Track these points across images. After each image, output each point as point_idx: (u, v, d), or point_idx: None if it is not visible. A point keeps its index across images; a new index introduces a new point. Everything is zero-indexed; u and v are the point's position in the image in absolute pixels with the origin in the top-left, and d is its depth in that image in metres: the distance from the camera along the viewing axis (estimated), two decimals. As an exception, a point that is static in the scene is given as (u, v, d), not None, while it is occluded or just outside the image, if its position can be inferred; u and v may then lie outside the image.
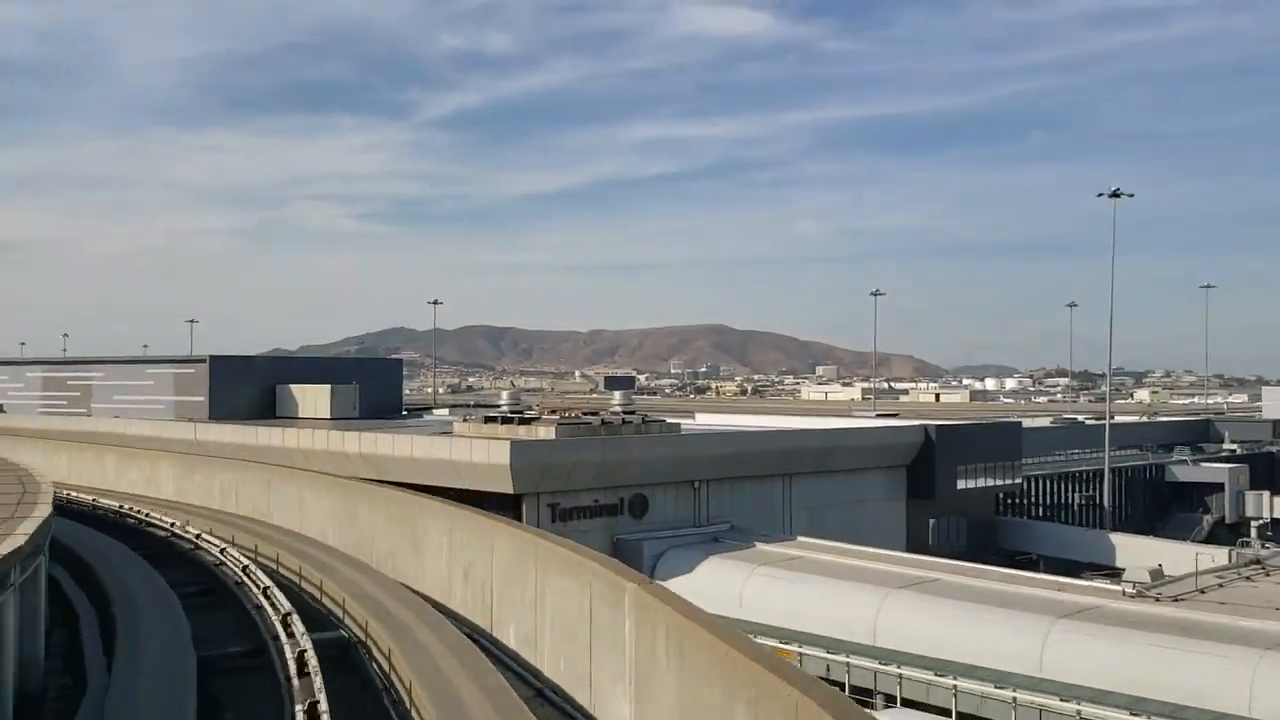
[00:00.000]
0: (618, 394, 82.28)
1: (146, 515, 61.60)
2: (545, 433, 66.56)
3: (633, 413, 76.29)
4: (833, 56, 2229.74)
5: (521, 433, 68.04)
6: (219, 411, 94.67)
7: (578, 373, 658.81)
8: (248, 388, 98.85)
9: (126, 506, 64.91)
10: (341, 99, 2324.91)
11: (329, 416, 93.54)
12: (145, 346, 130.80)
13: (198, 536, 53.88)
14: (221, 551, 49.68)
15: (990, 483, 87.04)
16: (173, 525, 57.94)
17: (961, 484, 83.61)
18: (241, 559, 46.56)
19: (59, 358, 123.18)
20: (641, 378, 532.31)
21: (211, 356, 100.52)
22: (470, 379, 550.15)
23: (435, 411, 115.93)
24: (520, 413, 75.41)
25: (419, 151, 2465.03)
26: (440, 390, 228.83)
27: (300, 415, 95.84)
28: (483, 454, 58.84)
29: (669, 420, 76.92)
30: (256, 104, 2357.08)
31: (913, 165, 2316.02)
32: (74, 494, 69.57)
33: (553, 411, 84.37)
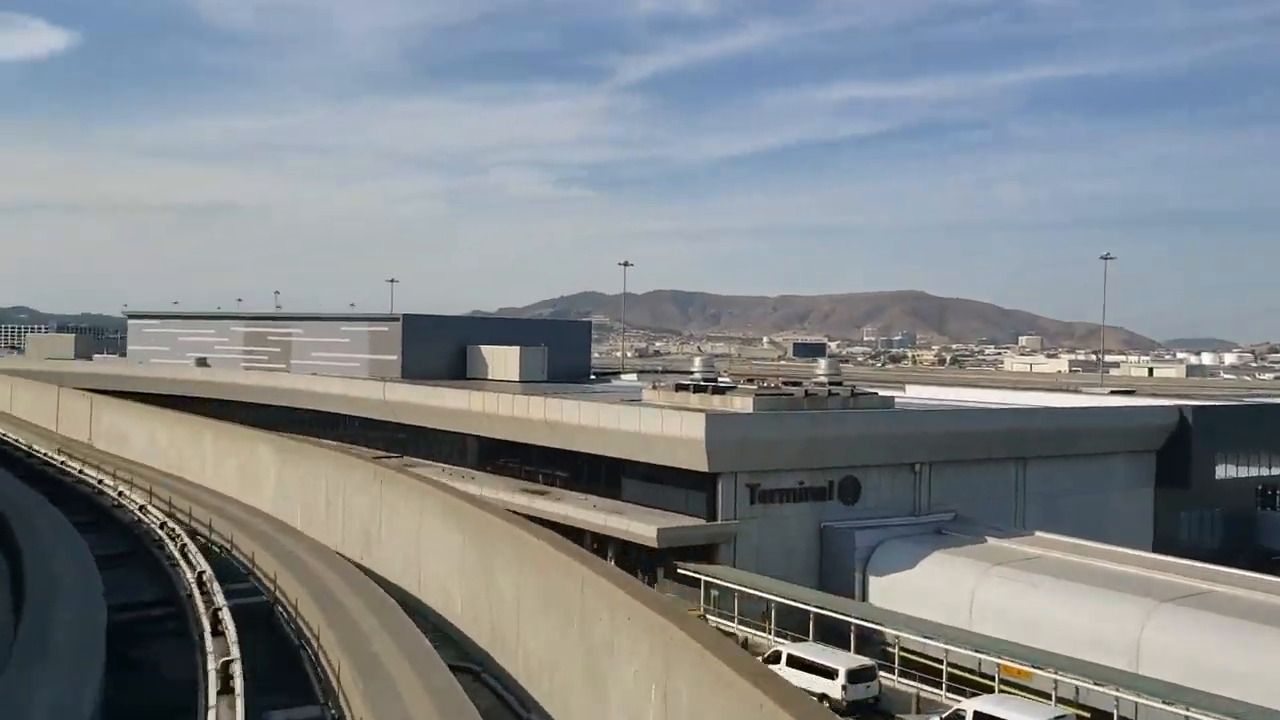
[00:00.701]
0: (823, 362, 74.79)
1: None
2: (742, 404, 60.21)
3: (839, 383, 68.96)
4: (1042, 13, 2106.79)
5: (716, 403, 61.92)
6: (411, 370, 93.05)
7: (766, 339, 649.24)
8: (439, 347, 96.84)
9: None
10: (541, 66, 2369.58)
11: (517, 379, 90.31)
12: (351, 305, 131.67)
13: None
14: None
15: (1253, 472, 75.48)
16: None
17: (1220, 473, 72.55)
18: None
19: (260, 313, 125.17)
20: (832, 345, 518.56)
21: (405, 315, 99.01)
22: (657, 344, 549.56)
23: (624, 376, 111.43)
24: (714, 380, 69.33)
25: (614, 116, 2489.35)
26: (627, 355, 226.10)
27: (489, 377, 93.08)
28: (675, 426, 53.01)
29: (881, 393, 69.13)
30: (460, 72, 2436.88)
31: (1124, 128, 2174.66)
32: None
33: (749, 380, 77.97)
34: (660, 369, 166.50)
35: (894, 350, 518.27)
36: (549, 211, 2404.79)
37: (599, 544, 59.26)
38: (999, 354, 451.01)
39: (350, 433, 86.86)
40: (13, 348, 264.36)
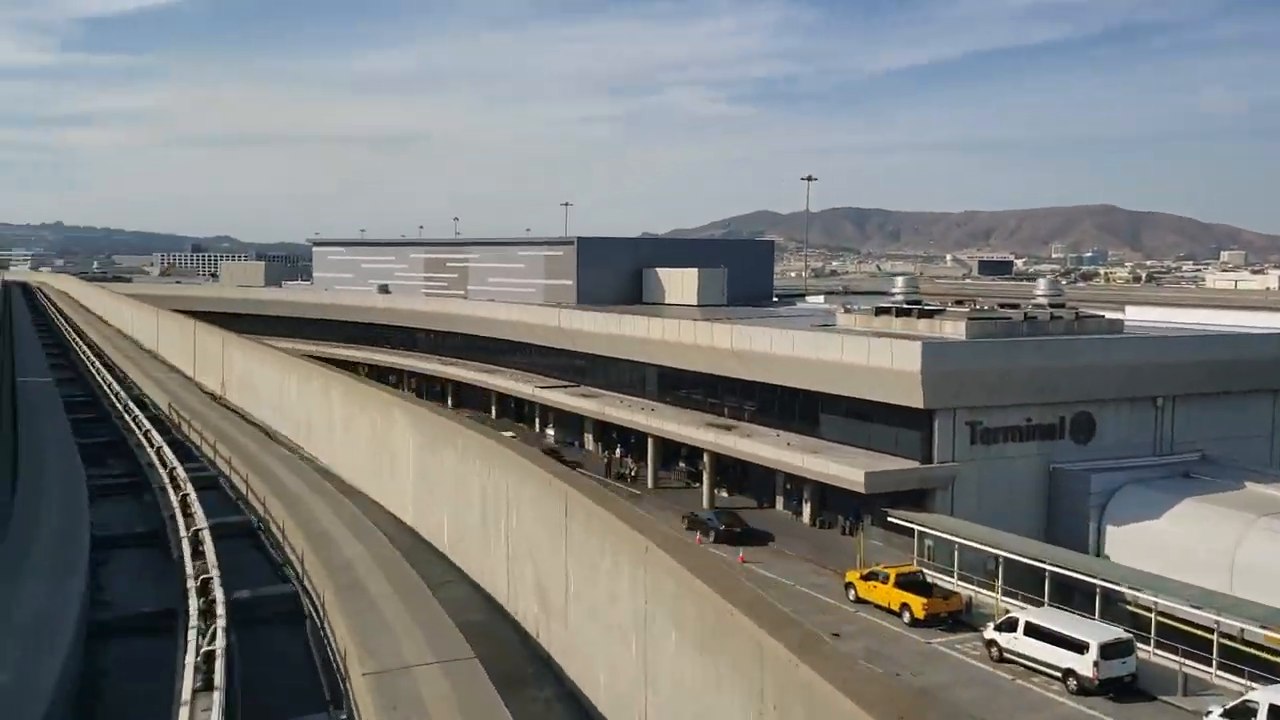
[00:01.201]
0: (1041, 282, 67.24)
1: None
2: (953, 329, 53.96)
3: (1061, 305, 61.61)
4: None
5: (921, 328, 55.88)
6: (586, 294, 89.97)
7: (949, 256, 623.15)
8: (614, 271, 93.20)
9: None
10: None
11: (695, 303, 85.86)
12: (527, 230, 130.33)
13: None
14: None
15: None
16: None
17: None
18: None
19: (438, 239, 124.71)
20: (1019, 262, 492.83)
21: (579, 238, 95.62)
22: (834, 263, 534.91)
23: (809, 299, 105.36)
24: (918, 303, 63.08)
25: (788, 29, 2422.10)
26: (803, 275, 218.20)
27: (666, 300, 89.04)
28: (884, 356, 47.43)
29: (1109, 316, 61.39)
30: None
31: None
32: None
33: (958, 302, 71.08)
34: (841, 289, 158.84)
35: (1084, 268, 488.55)
36: (721, 130, 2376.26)
37: (792, 484, 54.71)
38: (1198, 270, 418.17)
39: (526, 360, 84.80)
40: (213, 274, 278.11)
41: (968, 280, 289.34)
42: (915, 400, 46.27)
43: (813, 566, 46.97)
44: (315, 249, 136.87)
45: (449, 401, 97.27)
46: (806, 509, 53.80)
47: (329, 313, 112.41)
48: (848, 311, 66.35)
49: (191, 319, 41.44)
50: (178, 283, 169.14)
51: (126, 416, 34.66)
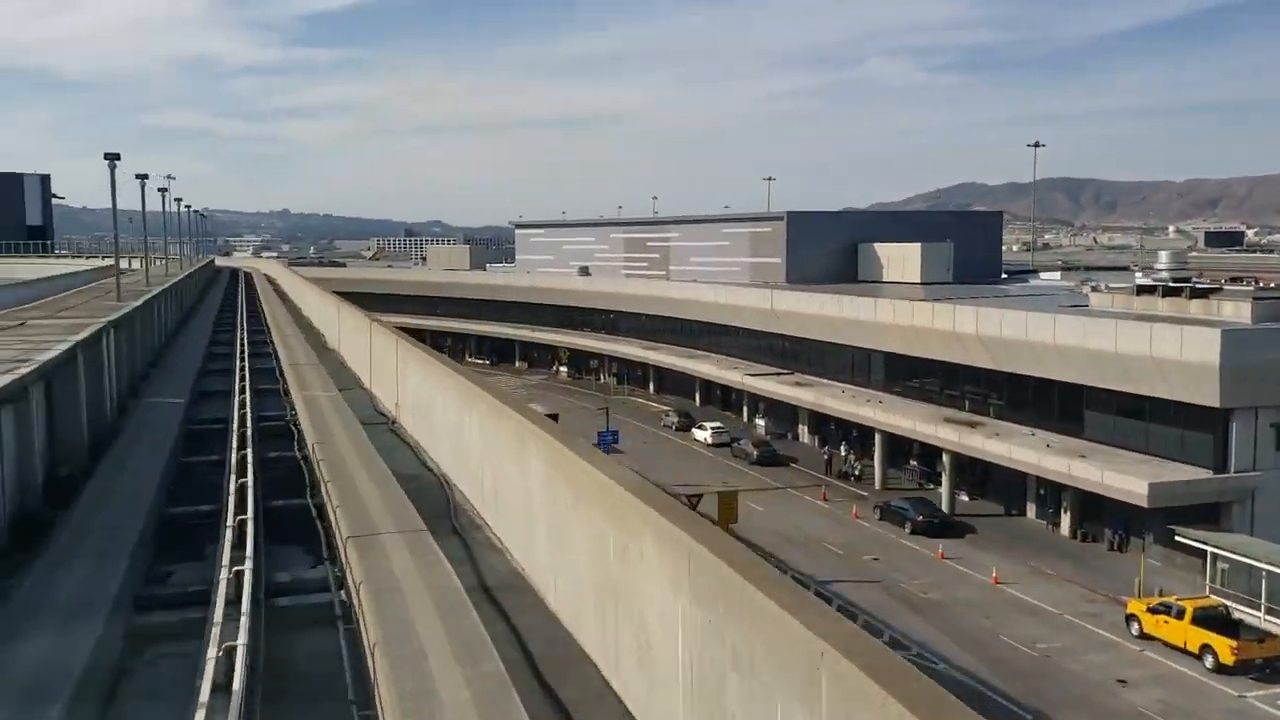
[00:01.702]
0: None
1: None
2: (1234, 312, 45.88)
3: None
4: None
5: (1194, 309, 48.05)
6: (796, 273, 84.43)
7: (1171, 228, 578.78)
8: (827, 246, 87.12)
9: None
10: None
11: (918, 280, 78.98)
12: (725, 206, 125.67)
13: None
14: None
15: None
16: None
17: None
18: None
19: (638, 219, 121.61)
20: (1250, 233, 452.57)
21: (789, 213, 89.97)
22: (1046, 235, 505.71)
23: (1043, 276, 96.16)
24: (1187, 281, 54.71)
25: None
26: (1012, 249, 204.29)
27: (884, 278, 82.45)
28: (1170, 345, 40.18)
29: None
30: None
31: None
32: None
33: (1234, 279, 61.96)
34: (1060, 264, 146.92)
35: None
36: (923, 101, 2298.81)
37: (1047, 490, 47.96)
38: None
39: (733, 343, 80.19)
40: (422, 258, 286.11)
41: (1193, 253, 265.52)
42: (1209, 397, 38.98)
43: (1081, 591, 40.40)
44: (518, 231, 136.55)
45: (651, 387, 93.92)
46: (1065, 519, 46.97)
47: (529, 296, 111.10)
48: (1098, 290, 58.56)
49: (367, 319, 35.47)
50: (389, 266, 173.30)
51: (244, 477, 18.91)
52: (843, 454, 61.73)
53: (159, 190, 68.84)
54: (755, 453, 64.74)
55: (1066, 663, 34.13)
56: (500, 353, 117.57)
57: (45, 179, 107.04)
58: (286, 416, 28.35)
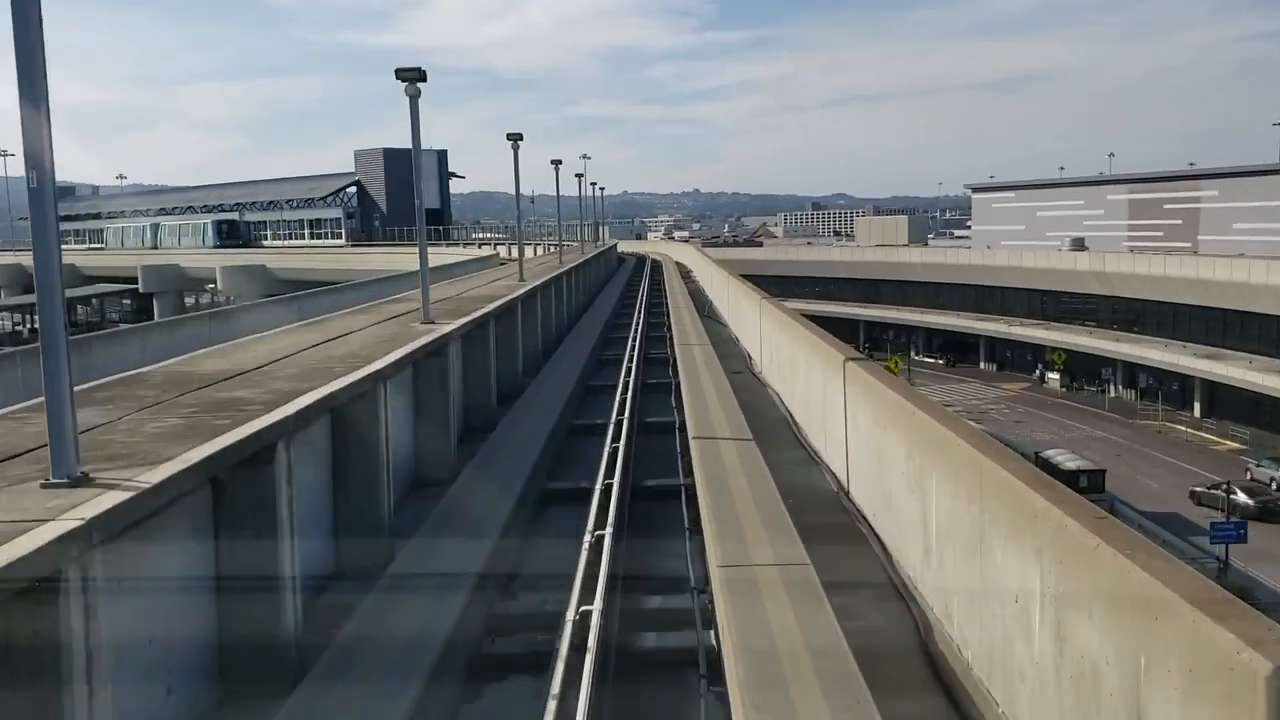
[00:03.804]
0: None
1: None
2: None
3: None
4: None
5: None
6: None
7: None
8: None
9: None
10: None
11: None
12: (1190, 164, 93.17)
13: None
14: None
15: None
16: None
17: None
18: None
19: (1151, 174, 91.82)
20: None
21: None
22: None
23: None
24: None
25: None
26: None
27: None
28: None
29: None
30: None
31: None
32: None
33: None
34: None
35: None
36: None
37: None
38: None
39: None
40: (836, 233, 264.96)
41: None
42: None
43: None
44: (975, 196, 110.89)
45: (1195, 409, 65.61)
46: None
47: (1003, 278, 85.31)
48: None
49: (802, 336, 14.95)
50: (809, 243, 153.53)
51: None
52: None
53: (575, 175, 60.45)
54: None
55: None
56: (957, 349, 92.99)
57: (442, 155, 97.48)
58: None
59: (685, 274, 56.53)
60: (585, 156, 71.69)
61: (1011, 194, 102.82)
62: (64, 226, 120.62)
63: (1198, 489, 49.72)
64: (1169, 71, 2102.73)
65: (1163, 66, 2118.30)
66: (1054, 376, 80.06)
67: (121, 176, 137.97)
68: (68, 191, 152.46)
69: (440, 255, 74.61)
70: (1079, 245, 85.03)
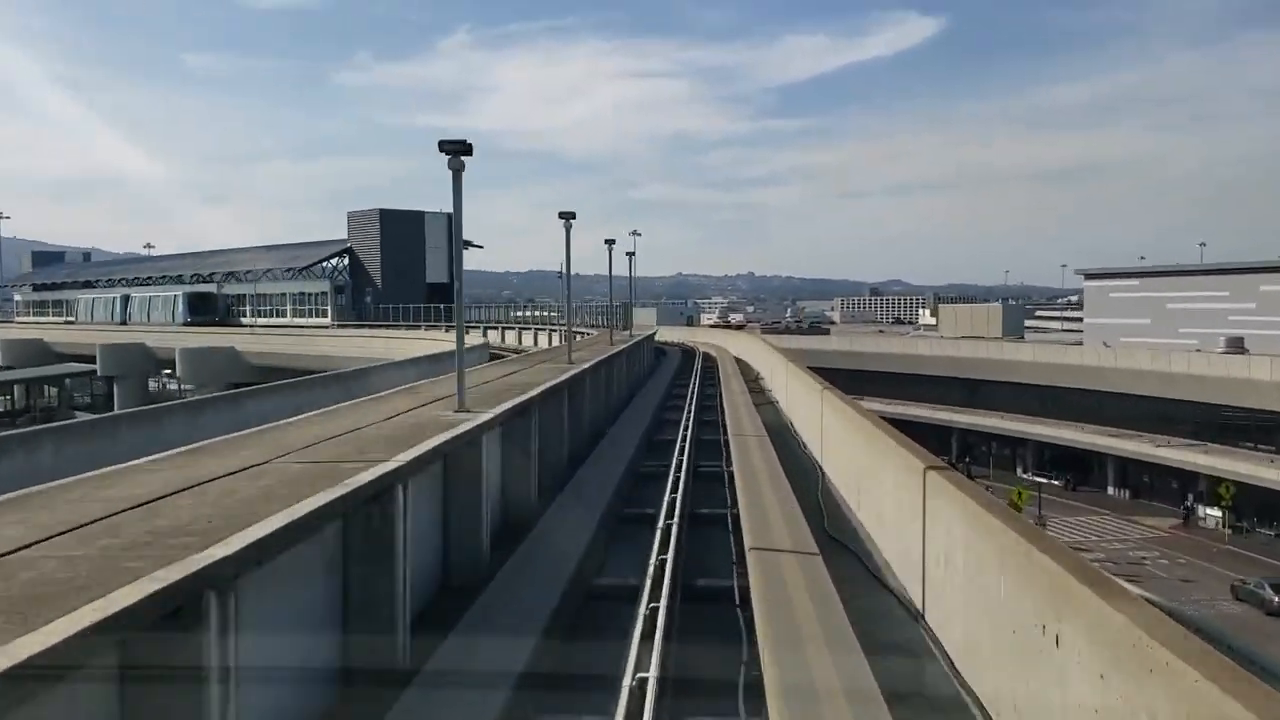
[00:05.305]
0: None
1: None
2: None
3: None
4: None
5: None
6: None
7: None
8: None
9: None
10: None
11: None
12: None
13: None
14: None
15: None
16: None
17: None
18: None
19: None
20: None
21: None
22: None
23: None
24: None
25: None
26: None
27: None
28: None
29: None
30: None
31: None
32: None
33: None
34: None
35: None
36: None
37: None
38: None
39: None
40: (897, 319, 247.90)
41: None
42: None
43: None
44: (1087, 284, 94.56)
45: None
46: None
47: (1143, 385, 68.23)
48: None
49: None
50: (880, 331, 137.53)
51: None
52: None
53: (626, 254, 50.15)
54: None
55: None
56: (1076, 468, 75.92)
57: (450, 219, 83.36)
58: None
59: (757, 392, 33.35)
60: (635, 233, 63.60)
61: (1135, 281, 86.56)
62: (41, 297, 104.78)
63: None
64: (1229, 165, 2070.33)
65: (1223, 158, 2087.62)
66: (1213, 513, 62.69)
67: (149, 245, 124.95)
68: (55, 257, 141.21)
69: (408, 342, 60.32)
70: (1237, 345, 68.44)
